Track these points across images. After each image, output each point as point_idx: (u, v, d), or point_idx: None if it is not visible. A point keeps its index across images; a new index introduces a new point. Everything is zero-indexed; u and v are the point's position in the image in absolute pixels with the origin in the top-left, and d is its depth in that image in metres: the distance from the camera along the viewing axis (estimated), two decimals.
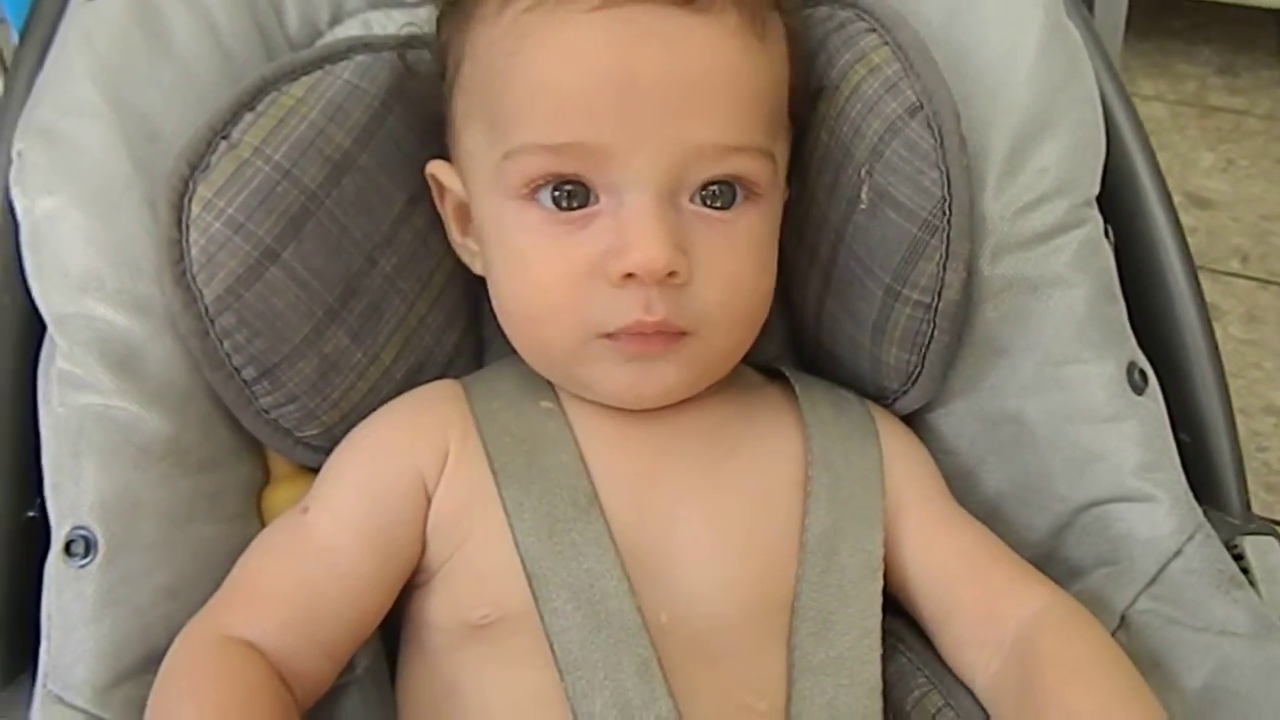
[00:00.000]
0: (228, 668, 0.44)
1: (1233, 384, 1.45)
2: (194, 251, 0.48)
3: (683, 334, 0.47)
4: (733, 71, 0.46)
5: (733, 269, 0.47)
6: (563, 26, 0.46)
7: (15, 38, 0.62)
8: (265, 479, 0.55)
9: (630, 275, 0.45)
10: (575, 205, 0.47)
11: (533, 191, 0.47)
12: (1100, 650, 0.45)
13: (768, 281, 0.51)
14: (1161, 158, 1.81)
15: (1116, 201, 0.54)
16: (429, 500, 0.49)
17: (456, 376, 0.55)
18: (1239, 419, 1.36)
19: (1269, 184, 1.62)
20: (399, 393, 0.53)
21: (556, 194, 0.47)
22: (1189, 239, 1.69)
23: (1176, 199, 1.78)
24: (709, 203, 0.47)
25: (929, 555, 0.50)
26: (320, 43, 0.59)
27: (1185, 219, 1.76)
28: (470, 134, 0.50)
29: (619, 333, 0.47)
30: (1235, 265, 1.47)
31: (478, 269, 0.54)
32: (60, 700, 0.45)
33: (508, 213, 0.48)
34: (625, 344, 0.47)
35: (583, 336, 0.47)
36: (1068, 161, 0.52)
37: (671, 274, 0.45)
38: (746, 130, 0.47)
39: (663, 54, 0.45)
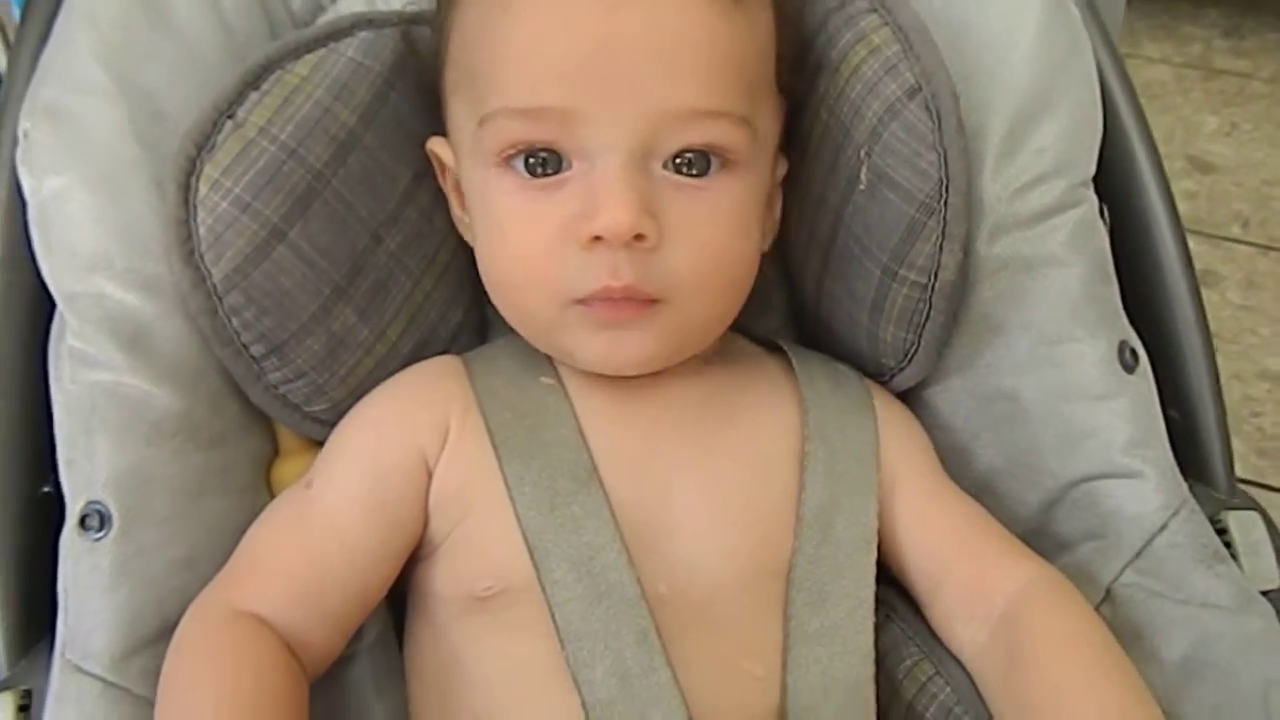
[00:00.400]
0: (239, 641, 0.45)
1: (1229, 349, 1.46)
2: (202, 231, 0.49)
3: (654, 301, 0.47)
4: (709, 37, 0.47)
5: (705, 236, 0.47)
6: None
7: (15, 14, 0.62)
8: (274, 453, 0.56)
9: (598, 238, 0.46)
10: (549, 172, 0.47)
11: (508, 159, 0.48)
12: (1084, 624, 0.47)
13: (746, 249, 0.50)
14: (1165, 121, 1.79)
15: (1112, 179, 0.55)
16: (430, 475, 0.50)
17: (460, 353, 0.56)
18: (1234, 384, 1.37)
19: (1272, 148, 1.61)
20: (404, 368, 0.54)
21: (531, 160, 0.48)
22: (1191, 203, 1.68)
23: (1179, 163, 1.76)
24: (683, 170, 0.47)
25: (921, 529, 0.51)
26: (323, 18, 0.59)
27: (1187, 183, 1.74)
28: (456, 104, 0.51)
29: (589, 298, 0.47)
30: (1236, 230, 1.47)
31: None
32: (78, 669, 0.46)
33: (489, 180, 0.49)
34: (596, 310, 0.47)
35: (558, 303, 0.48)
36: (1065, 142, 0.53)
37: (639, 237, 0.46)
38: (721, 96, 0.47)
39: (638, 19, 0.46)
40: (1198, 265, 1.61)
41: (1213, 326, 1.47)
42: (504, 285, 0.51)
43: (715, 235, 0.48)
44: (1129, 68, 1.76)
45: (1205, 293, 1.55)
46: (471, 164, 0.50)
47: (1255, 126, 1.64)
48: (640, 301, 0.47)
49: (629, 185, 0.46)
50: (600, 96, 0.46)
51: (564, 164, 0.47)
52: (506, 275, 0.50)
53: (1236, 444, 1.29)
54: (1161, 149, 1.79)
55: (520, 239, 0.48)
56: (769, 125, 0.51)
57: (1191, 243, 1.63)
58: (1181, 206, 1.73)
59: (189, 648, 0.45)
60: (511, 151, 0.48)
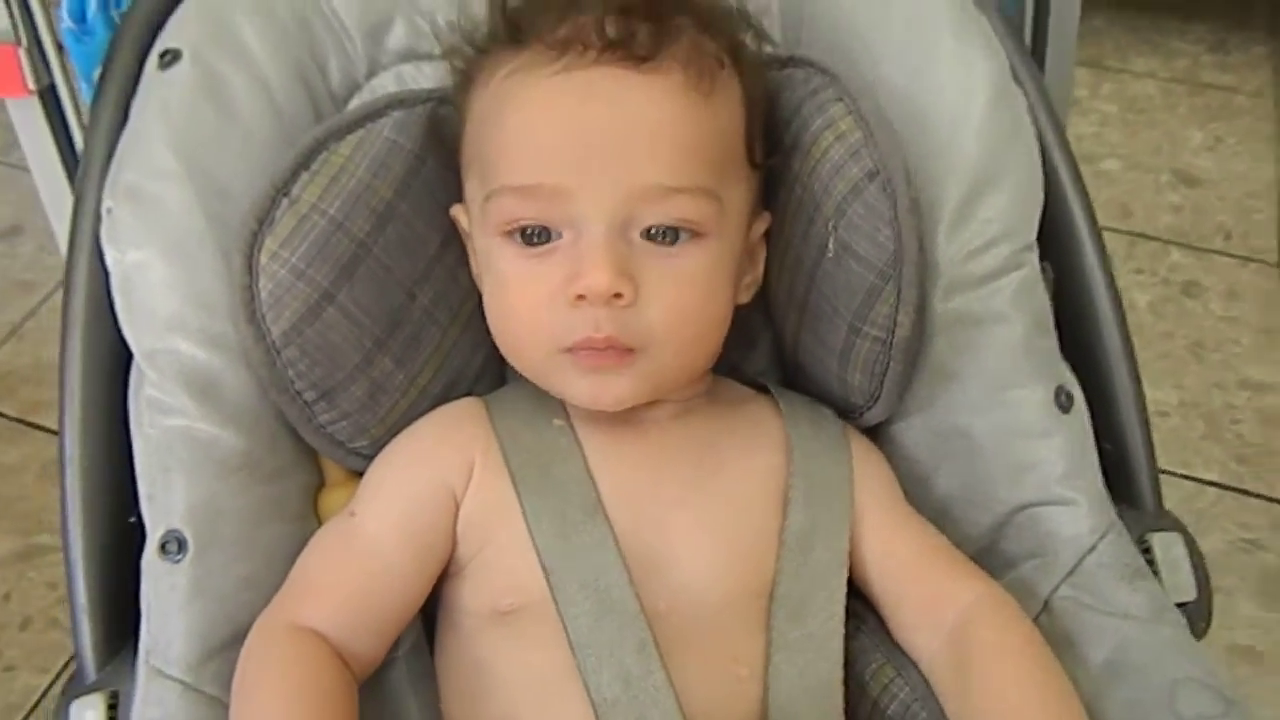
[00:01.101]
0: (298, 652, 0.51)
1: (1211, 359, 1.51)
2: (263, 295, 0.55)
3: (631, 350, 0.53)
4: (672, 122, 0.53)
5: (674, 296, 0.53)
6: (531, 88, 0.54)
7: (85, 92, 0.68)
8: (320, 483, 0.61)
9: (582, 297, 0.52)
10: (541, 241, 0.54)
11: (508, 232, 0.54)
12: (1021, 637, 0.53)
13: (713, 307, 0.56)
14: (1152, 135, 1.84)
15: (1055, 240, 0.61)
16: (457, 505, 0.56)
17: (481, 392, 0.62)
18: (1216, 393, 1.42)
19: (1255, 162, 1.64)
20: (434, 407, 0.61)
21: (527, 232, 0.54)
22: (1176, 216, 1.72)
23: (1165, 177, 1.81)
24: (655, 239, 0.53)
25: (886, 553, 0.57)
26: (359, 95, 0.65)
27: (1173, 197, 1.79)
28: (469, 180, 0.58)
29: (575, 347, 0.53)
30: (1218, 242, 1.51)
31: None
32: (161, 673, 0.52)
33: (493, 248, 0.56)
34: (582, 358, 0.53)
35: (550, 350, 0.54)
36: (1010, 212, 0.59)
37: (617, 295, 0.52)
38: (688, 173, 0.53)
39: (609, 109, 0.53)
40: (1181, 276, 1.67)
41: (1195, 336, 1.53)
42: (506, 335, 0.57)
43: (683, 295, 0.54)
44: (1118, 82, 1.82)
45: (1189, 303, 1.61)
46: (480, 233, 0.57)
47: (1240, 140, 1.68)
48: (619, 350, 0.53)
49: (609, 251, 0.52)
50: (579, 175, 0.52)
51: (554, 235, 0.54)
52: (508, 327, 0.57)
53: (1217, 450, 1.36)
54: (1148, 162, 1.84)
55: (518, 298, 0.55)
56: (739, 196, 0.57)
57: (1176, 255, 1.69)
58: (1167, 219, 1.79)
59: (256, 659, 0.52)
60: (510, 226, 0.54)
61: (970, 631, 0.54)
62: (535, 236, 0.54)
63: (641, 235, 0.53)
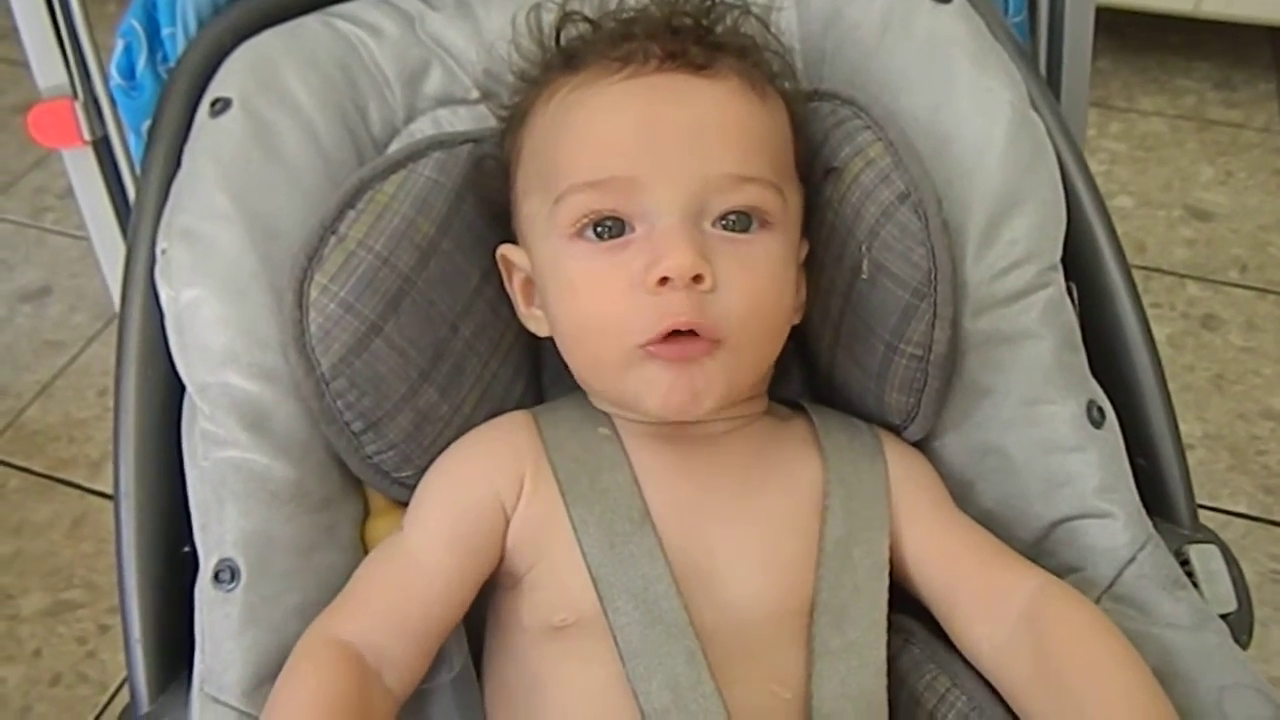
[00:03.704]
0: (319, 660, 0.52)
1: (1232, 390, 1.51)
2: (313, 329, 0.57)
3: (713, 342, 0.53)
4: (737, 118, 0.56)
5: (750, 282, 0.54)
6: (598, 94, 0.56)
7: (132, 141, 0.70)
8: (366, 513, 0.63)
9: (664, 281, 0.52)
10: (614, 235, 0.55)
11: (580, 230, 0.55)
12: (1099, 618, 0.53)
13: (783, 300, 0.57)
14: (1163, 172, 1.86)
15: (1080, 261, 0.63)
16: (507, 517, 0.56)
17: None
18: (1239, 424, 1.41)
19: (1266, 195, 1.66)
20: None
21: (599, 229, 0.55)
22: (1190, 250, 1.73)
23: (1178, 212, 1.82)
24: (728, 227, 0.54)
25: (939, 550, 0.57)
26: (399, 139, 0.68)
27: (1186, 231, 1.80)
28: (529, 202, 0.59)
29: (657, 339, 0.52)
30: (1234, 275, 1.52)
31: (543, 333, 0.61)
32: (215, 700, 0.53)
33: (560, 251, 0.56)
34: (663, 349, 0.53)
35: (628, 349, 0.53)
36: (1034, 233, 0.60)
37: (697, 278, 0.52)
38: (754, 164, 0.55)
39: (678, 105, 0.55)
40: (1200, 310, 1.67)
41: (1216, 369, 1.53)
42: (579, 338, 0.57)
43: (758, 281, 0.55)
44: (1125, 121, 1.84)
45: (1208, 336, 1.61)
46: (545, 244, 0.57)
47: (1250, 174, 1.70)
48: (702, 341, 0.53)
49: (686, 235, 0.53)
50: (652, 166, 0.54)
51: (626, 228, 0.55)
52: (579, 327, 0.56)
53: (1244, 481, 1.35)
54: (1160, 198, 1.86)
55: (593, 293, 0.55)
56: (794, 199, 0.59)
57: (1193, 288, 1.69)
58: (1181, 253, 1.79)
59: (287, 669, 0.52)
60: (584, 221, 0.55)
61: (1044, 615, 0.53)
62: (609, 230, 0.55)
63: (713, 224, 0.54)
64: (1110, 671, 0.50)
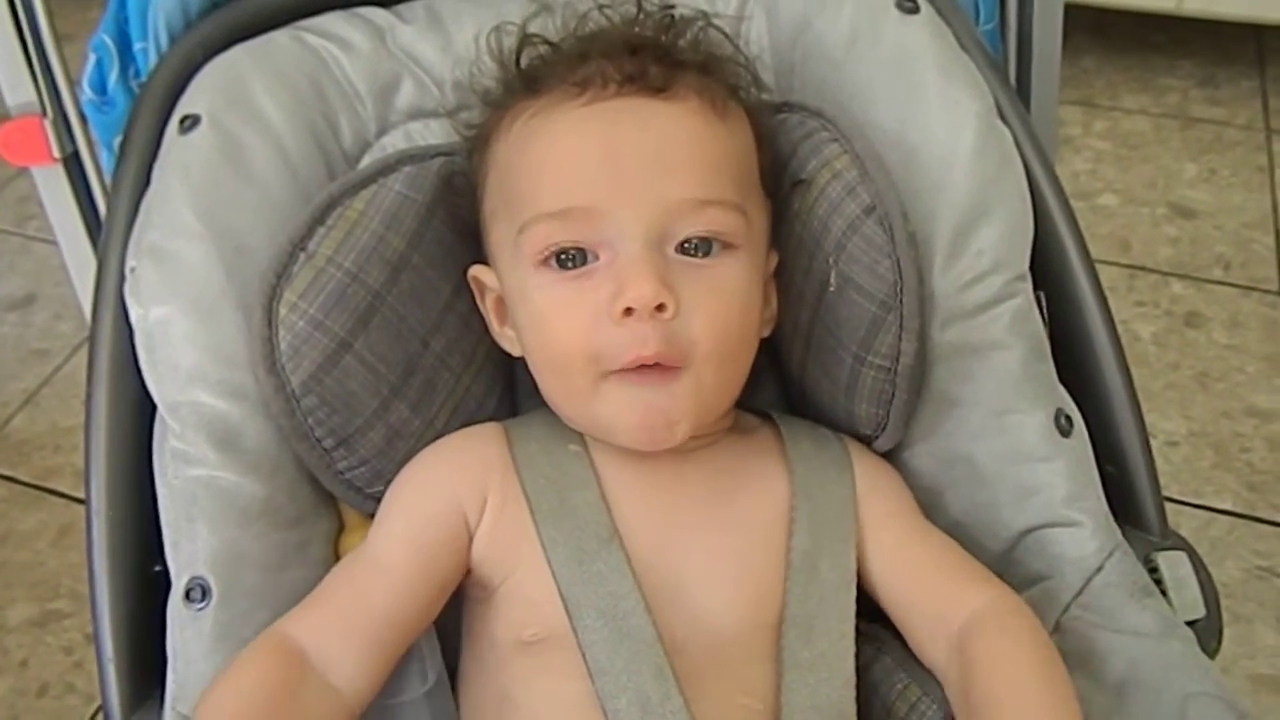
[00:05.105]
0: (252, 653, 0.52)
1: (1216, 388, 1.52)
2: (283, 346, 0.57)
3: (676, 369, 0.53)
4: (698, 140, 0.56)
5: (714, 306, 0.54)
6: (557, 120, 0.57)
7: (104, 156, 0.70)
8: (340, 528, 0.63)
9: (628, 311, 0.52)
10: (578, 265, 0.55)
11: (545, 259, 0.55)
12: (1024, 643, 0.53)
13: (748, 321, 0.57)
14: (1146, 170, 1.86)
15: (1049, 271, 0.63)
16: (469, 526, 0.56)
17: None
18: (1223, 421, 1.42)
19: (1249, 193, 1.67)
20: None
21: (562, 257, 0.55)
22: (1174, 248, 1.74)
23: (1161, 210, 1.83)
24: (690, 252, 0.55)
25: (902, 564, 0.58)
26: (371, 153, 0.67)
27: (1170, 229, 1.81)
28: (496, 227, 0.60)
29: (624, 368, 0.53)
30: (1218, 273, 1.53)
31: (516, 352, 0.62)
32: (187, 718, 0.53)
33: (528, 280, 0.56)
34: (630, 376, 0.53)
35: (595, 376, 0.54)
36: (1001, 244, 0.61)
37: (660, 306, 0.52)
38: (715, 186, 0.55)
39: (637, 130, 0.55)
40: (1183, 307, 1.69)
41: (1200, 366, 1.54)
42: (550, 365, 0.57)
43: (722, 304, 0.55)
44: (1110, 119, 1.85)
45: (1192, 333, 1.62)
46: (512, 271, 0.58)
47: (1233, 172, 1.70)
48: (666, 368, 0.54)
49: (649, 264, 0.53)
50: (613, 194, 0.54)
51: (590, 257, 0.55)
52: (550, 356, 0.57)
53: (1228, 479, 1.36)
54: (1143, 196, 1.87)
55: (561, 323, 0.55)
56: (759, 217, 0.59)
57: (1177, 286, 1.70)
58: (1165, 251, 1.81)
59: (229, 663, 0.52)
60: (547, 252, 0.55)
61: (970, 640, 0.54)
62: (571, 260, 0.55)
63: (676, 250, 0.55)
64: (1015, 700, 0.50)
